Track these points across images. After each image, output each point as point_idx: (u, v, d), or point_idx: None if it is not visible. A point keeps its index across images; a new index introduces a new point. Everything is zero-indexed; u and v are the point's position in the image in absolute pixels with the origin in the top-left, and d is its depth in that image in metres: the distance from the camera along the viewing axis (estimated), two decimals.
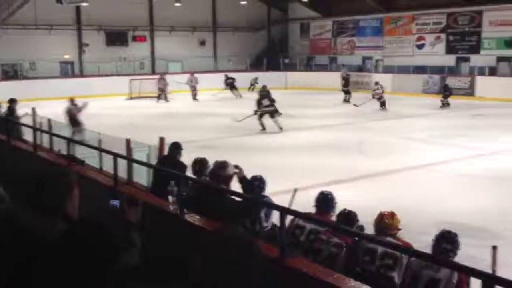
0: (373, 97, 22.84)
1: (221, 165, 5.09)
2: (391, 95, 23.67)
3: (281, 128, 16.36)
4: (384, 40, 32.75)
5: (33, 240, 2.08)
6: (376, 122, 18.65)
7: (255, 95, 22.30)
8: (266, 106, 16.74)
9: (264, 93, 17.34)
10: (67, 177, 2.61)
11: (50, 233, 1.98)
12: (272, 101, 16.80)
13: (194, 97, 26.83)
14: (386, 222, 4.40)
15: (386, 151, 13.60)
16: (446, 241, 4.17)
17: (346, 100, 25.00)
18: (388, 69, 30.50)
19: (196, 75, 27.85)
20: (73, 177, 2.73)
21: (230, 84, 28.84)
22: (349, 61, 33.68)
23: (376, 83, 23.24)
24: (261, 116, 16.73)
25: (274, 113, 16.62)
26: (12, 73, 28.42)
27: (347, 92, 25.51)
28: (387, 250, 4.10)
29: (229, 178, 5.09)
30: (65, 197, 2.46)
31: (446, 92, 23.61)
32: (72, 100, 14.01)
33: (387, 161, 12.17)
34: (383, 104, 22.27)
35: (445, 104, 22.99)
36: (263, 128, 16.57)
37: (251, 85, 30.68)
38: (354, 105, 22.81)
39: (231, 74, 29.66)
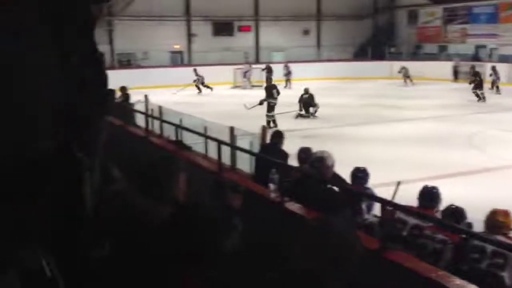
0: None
1: (322, 156, 5.07)
2: (506, 86, 22.15)
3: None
4: (499, 27, 30.63)
5: (143, 221, 2.20)
6: (486, 115, 17.58)
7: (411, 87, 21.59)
8: (276, 99, 15.59)
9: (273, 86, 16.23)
10: (176, 162, 2.75)
11: (159, 215, 2.07)
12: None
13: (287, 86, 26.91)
14: (500, 220, 4.16)
15: (497, 145, 12.80)
16: None
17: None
18: (503, 59, 28.50)
19: (290, 64, 28.34)
20: (182, 162, 2.86)
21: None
22: (460, 50, 31.95)
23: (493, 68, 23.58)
24: (271, 109, 15.29)
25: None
26: (126, 62, 30.18)
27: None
28: (498, 249, 3.88)
29: (330, 169, 5.06)
30: (174, 181, 2.58)
31: None
32: None
33: (499, 156, 11.45)
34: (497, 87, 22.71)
35: None
36: (272, 126, 14.51)
37: (403, 74, 29.26)
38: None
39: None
